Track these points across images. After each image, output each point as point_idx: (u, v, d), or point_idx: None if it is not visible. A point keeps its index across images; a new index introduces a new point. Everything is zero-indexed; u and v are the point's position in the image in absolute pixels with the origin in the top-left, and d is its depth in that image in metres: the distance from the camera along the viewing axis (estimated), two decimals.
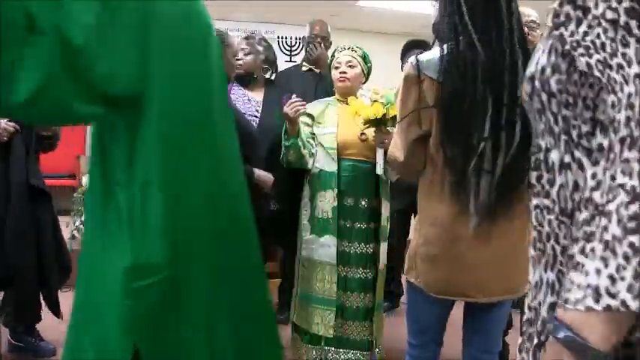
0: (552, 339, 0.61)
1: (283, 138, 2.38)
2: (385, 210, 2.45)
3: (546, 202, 0.74)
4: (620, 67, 0.61)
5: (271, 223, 2.67)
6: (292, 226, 2.60)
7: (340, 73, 2.48)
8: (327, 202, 2.38)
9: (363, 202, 2.42)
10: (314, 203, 2.42)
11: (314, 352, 2.43)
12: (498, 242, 1.52)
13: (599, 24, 0.62)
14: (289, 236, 2.64)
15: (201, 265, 1.23)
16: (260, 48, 2.92)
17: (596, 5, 0.63)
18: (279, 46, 7.08)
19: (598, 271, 0.57)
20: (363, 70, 2.52)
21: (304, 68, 3.34)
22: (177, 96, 1.19)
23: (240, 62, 2.81)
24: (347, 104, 2.39)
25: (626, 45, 0.60)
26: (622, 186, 0.59)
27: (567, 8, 0.66)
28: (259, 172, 2.43)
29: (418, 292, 1.64)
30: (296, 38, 7.03)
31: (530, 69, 0.74)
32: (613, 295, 0.56)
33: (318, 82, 3.21)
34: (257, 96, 2.86)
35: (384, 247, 2.45)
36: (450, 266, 1.55)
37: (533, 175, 0.76)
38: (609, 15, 0.61)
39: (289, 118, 2.31)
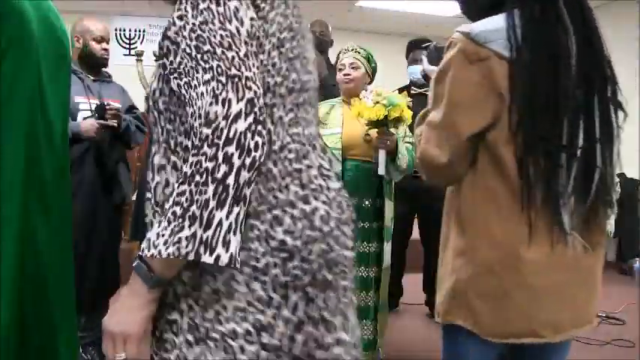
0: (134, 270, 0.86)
1: None
2: (389, 210, 2.47)
3: (149, 195, 0.95)
4: (195, 87, 0.84)
5: None
6: None
7: (344, 75, 2.52)
8: None
9: (367, 202, 2.44)
10: None
11: None
12: (579, 265, 1.18)
13: (184, 56, 0.85)
14: None
15: None
16: None
17: (181, 41, 0.85)
18: None
19: (162, 234, 0.82)
20: (367, 71, 2.55)
21: None
22: None
23: None
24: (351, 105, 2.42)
25: (197, 71, 0.83)
26: (181, 171, 0.83)
27: (167, 43, 0.88)
28: None
29: (466, 338, 1.22)
30: None
31: (148, 90, 0.95)
32: (156, 247, 0.81)
33: (318, 85, 3.25)
34: None
35: (388, 247, 2.47)
36: (522, 300, 1.16)
37: (148, 174, 0.96)
38: (187, 50, 0.85)
39: None
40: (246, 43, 0.86)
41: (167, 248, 0.81)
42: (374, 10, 6.37)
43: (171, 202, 0.82)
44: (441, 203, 1.30)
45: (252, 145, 0.82)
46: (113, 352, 0.85)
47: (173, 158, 0.92)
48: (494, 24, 1.12)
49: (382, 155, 2.34)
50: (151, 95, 0.93)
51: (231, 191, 0.81)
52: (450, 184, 1.28)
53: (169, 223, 0.81)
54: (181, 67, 0.85)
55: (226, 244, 0.82)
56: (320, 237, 0.91)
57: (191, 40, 0.84)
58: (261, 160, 0.83)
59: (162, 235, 0.81)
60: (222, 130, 0.80)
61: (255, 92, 0.83)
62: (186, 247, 0.80)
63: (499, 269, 1.15)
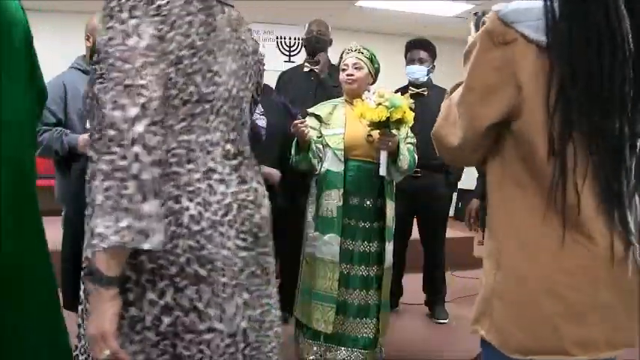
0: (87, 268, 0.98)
1: (294, 151, 2.43)
2: (390, 210, 2.48)
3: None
4: (104, 94, 0.96)
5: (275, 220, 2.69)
6: (296, 224, 2.62)
7: (347, 75, 2.52)
8: (332, 201, 2.40)
9: (368, 202, 2.45)
10: (320, 202, 2.44)
11: (315, 348, 2.46)
12: (631, 282, 1.05)
13: (102, 67, 0.98)
14: (289, 235, 2.65)
15: None
16: None
17: (102, 54, 0.99)
18: (279, 47, 7.09)
19: (107, 225, 0.91)
20: (370, 72, 2.55)
21: (306, 69, 3.37)
22: None
23: None
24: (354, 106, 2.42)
25: (106, 80, 0.97)
26: (100, 170, 0.93)
27: (98, 52, 1.00)
28: (264, 168, 2.42)
29: (494, 352, 1.09)
30: (295, 38, 7.03)
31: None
32: (107, 237, 0.91)
33: (318, 85, 3.27)
34: None
35: (390, 246, 2.48)
36: (551, 312, 1.03)
37: (88, 164, 1.07)
38: (102, 62, 0.98)
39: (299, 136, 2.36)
40: (143, 55, 0.99)
41: (114, 237, 0.92)
42: (374, 10, 6.37)
43: (101, 197, 0.92)
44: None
45: (153, 143, 0.96)
46: (99, 352, 0.96)
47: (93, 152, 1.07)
48: (528, 4, 1.02)
49: (383, 156, 2.36)
50: (84, 96, 1.11)
51: (149, 185, 0.94)
52: (464, 165, 1.19)
53: (108, 215, 0.92)
54: (103, 72, 0.99)
55: (159, 232, 0.96)
56: (187, 234, 1.04)
57: (104, 54, 0.99)
58: (162, 156, 0.98)
59: (109, 227, 0.92)
60: (123, 131, 0.94)
61: (150, 98, 0.97)
62: (127, 236, 0.92)
63: (528, 276, 1.04)
